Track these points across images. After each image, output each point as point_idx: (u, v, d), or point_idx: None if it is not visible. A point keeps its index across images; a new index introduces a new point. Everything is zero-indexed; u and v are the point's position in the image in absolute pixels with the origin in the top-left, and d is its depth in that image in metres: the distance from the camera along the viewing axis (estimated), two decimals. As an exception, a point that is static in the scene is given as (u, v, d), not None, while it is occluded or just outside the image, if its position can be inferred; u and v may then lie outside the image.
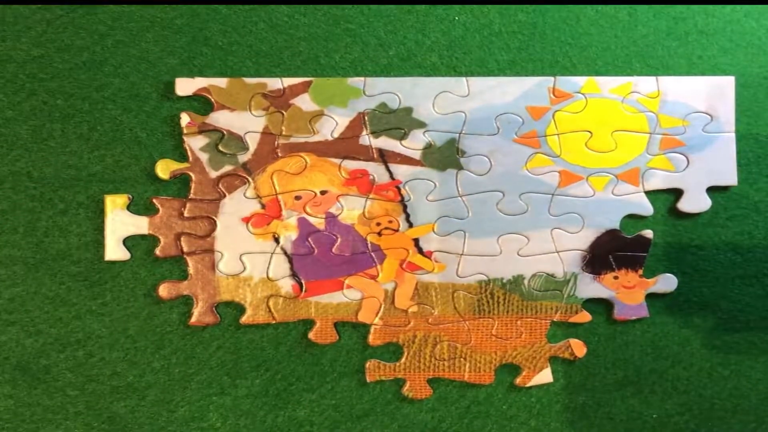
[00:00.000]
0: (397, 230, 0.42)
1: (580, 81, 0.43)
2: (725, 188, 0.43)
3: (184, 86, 0.41)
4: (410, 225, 0.42)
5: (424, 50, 0.43)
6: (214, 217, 0.41)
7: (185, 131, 0.41)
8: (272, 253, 0.42)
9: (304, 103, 0.42)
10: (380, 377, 0.42)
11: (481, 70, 0.43)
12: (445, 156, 0.42)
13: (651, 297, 0.43)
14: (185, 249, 0.41)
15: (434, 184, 0.42)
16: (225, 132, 0.41)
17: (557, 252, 0.42)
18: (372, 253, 0.42)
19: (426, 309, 0.42)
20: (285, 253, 0.42)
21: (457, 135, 0.42)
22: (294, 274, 0.42)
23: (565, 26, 0.44)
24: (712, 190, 0.43)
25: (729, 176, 0.43)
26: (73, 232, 0.41)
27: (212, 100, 0.41)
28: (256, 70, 0.42)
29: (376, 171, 0.42)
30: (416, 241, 0.42)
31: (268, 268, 0.42)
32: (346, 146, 0.42)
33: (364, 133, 0.42)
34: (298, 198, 0.42)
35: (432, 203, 0.42)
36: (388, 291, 0.42)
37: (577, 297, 0.43)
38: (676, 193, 0.43)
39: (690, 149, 0.43)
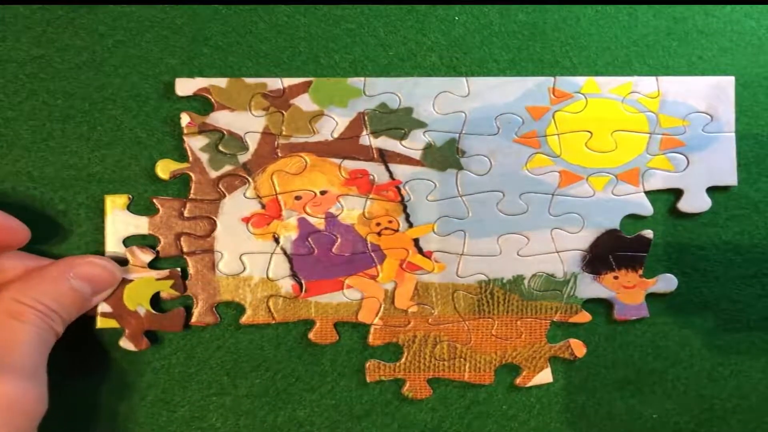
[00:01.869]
0: (397, 230, 0.42)
1: (580, 81, 0.43)
2: (725, 188, 0.43)
3: (184, 86, 0.41)
4: (410, 225, 0.42)
5: (424, 50, 0.43)
6: (214, 217, 0.41)
7: (185, 131, 0.41)
8: (272, 253, 0.42)
9: (304, 103, 0.42)
10: (380, 377, 0.42)
11: (481, 70, 0.43)
12: (445, 156, 0.42)
13: (651, 297, 0.43)
14: (185, 249, 0.41)
15: (434, 184, 0.42)
16: (225, 132, 0.41)
17: (557, 252, 0.42)
18: (372, 253, 0.42)
19: (426, 309, 0.42)
20: (285, 253, 0.42)
21: (457, 135, 0.42)
22: (294, 274, 0.42)
23: (565, 26, 0.44)
24: (712, 190, 0.43)
25: (729, 176, 0.43)
26: (73, 232, 0.41)
27: (212, 100, 0.41)
28: (256, 70, 0.42)
29: (376, 171, 0.42)
30: (416, 241, 0.42)
31: (268, 268, 0.42)
32: (346, 146, 0.42)
33: (364, 133, 0.42)
34: (298, 198, 0.42)
35: (432, 203, 0.42)
36: (388, 291, 0.42)
37: (577, 297, 0.43)
38: (676, 193, 0.43)
39: (690, 149, 0.43)
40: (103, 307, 0.40)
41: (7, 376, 0.32)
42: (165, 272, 0.41)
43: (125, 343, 0.41)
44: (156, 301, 0.41)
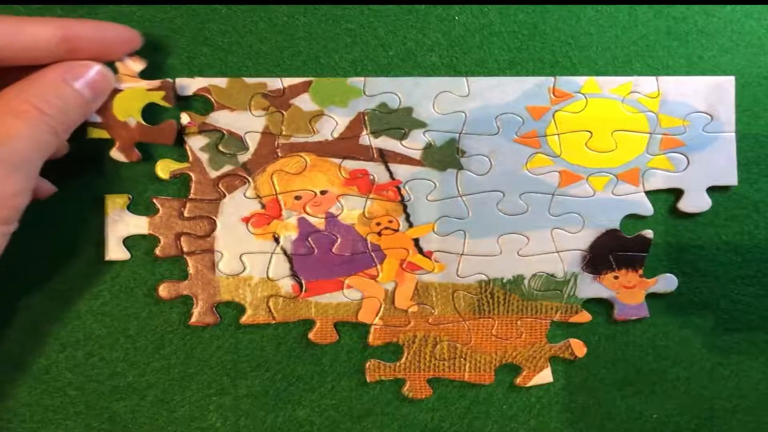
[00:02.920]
0: (397, 230, 0.42)
1: (580, 81, 0.43)
2: (725, 188, 0.43)
3: (184, 86, 0.41)
4: (410, 225, 0.42)
5: (424, 50, 0.43)
6: (214, 217, 0.41)
7: (185, 131, 0.41)
8: (272, 253, 0.42)
9: (304, 103, 0.42)
10: (380, 377, 0.42)
11: (481, 70, 0.43)
12: (445, 156, 0.42)
13: (651, 297, 0.43)
14: (185, 249, 0.41)
15: (434, 184, 0.42)
16: (225, 132, 0.41)
17: (557, 252, 0.42)
18: (372, 253, 0.42)
19: (426, 309, 0.42)
20: (285, 253, 0.42)
21: (457, 135, 0.42)
22: (294, 274, 0.42)
23: (565, 26, 0.44)
24: (712, 190, 0.43)
25: (729, 176, 0.43)
26: (74, 232, 0.41)
27: (212, 100, 0.41)
28: (256, 70, 0.42)
29: (376, 171, 0.42)
30: (416, 241, 0.42)
31: (268, 268, 0.42)
32: (346, 146, 0.42)
33: (364, 133, 0.42)
34: (298, 198, 0.42)
35: (432, 203, 0.42)
36: (388, 291, 0.42)
37: (578, 297, 0.43)
38: (676, 193, 0.43)
39: (690, 149, 0.43)
40: (93, 117, 0.39)
41: (4, 169, 0.32)
42: (156, 82, 0.40)
43: (116, 155, 0.40)
44: (147, 112, 0.40)
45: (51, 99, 0.35)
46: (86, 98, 0.37)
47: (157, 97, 0.40)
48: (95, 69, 0.37)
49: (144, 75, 0.40)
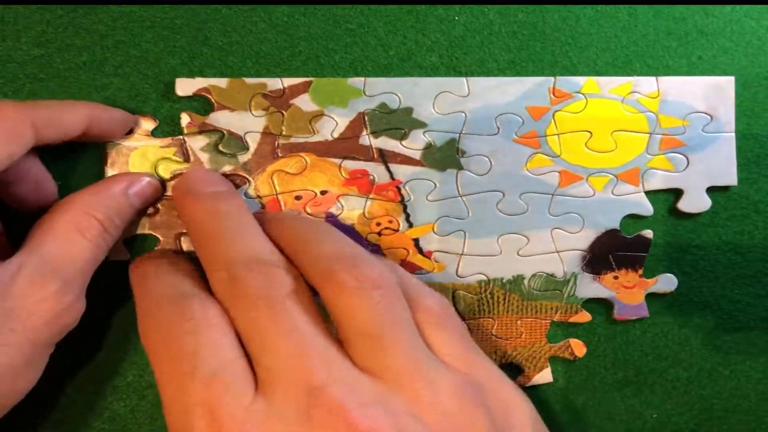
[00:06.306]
0: (397, 230, 0.42)
1: (580, 81, 0.43)
2: (725, 188, 0.43)
3: (184, 86, 0.41)
4: (410, 225, 0.42)
5: (424, 50, 0.43)
6: (214, 217, 0.41)
7: (185, 131, 0.41)
8: (272, 253, 0.42)
9: (304, 103, 0.42)
10: (380, 377, 0.42)
11: (481, 70, 0.43)
12: (445, 156, 0.42)
13: (651, 297, 0.43)
14: (185, 249, 0.41)
15: (434, 184, 0.42)
16: (225, 132, 0.41)
17: (557, 252, 0.42)
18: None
19: (426, 309, 0.42)
20: (285, 253, 0.42)
21: (457, 135, 0.42)
22: (294, 274, 0.42)
23: (565, 26, 0.44)
24: (712, 190, 0.43)
25: (729, 176, 0.43)
26: (73, 232, 0.41)
27: (212, 100, 0.41)
28: (256, 70, 0.42)
29: (376, 171, 0.42)
30: (416, 241, 0.42)
31: (268, 268, 0.42)
32: (346, 146, 0.42)
33: (364, 133, 0.42)
34: (298, 198, 0.42)
35: (432, 203, 0.42)
36: (388, 291, 0.42)
37: (577, 297, 0.43)
38: (676, 193, 0.43)
39: (690, 149, 0.43)
40: (108, 173, 0.40)
41: (66, 289, 0.33)
42: (168, 140, 0.41)
43: None
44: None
45: (113, 215, 0.36)
46: (136, 208, 0.38)
47: (170, 153, 0.41)
48: (146, 180, 0.39)
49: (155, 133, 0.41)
